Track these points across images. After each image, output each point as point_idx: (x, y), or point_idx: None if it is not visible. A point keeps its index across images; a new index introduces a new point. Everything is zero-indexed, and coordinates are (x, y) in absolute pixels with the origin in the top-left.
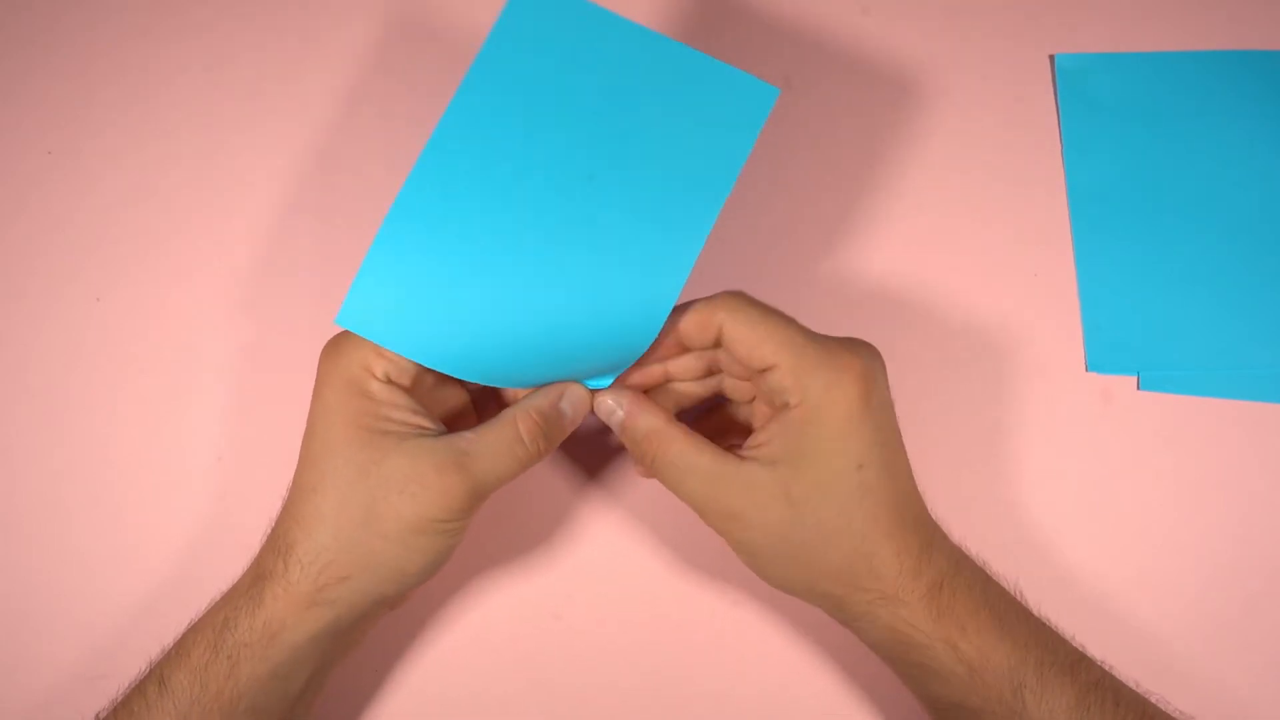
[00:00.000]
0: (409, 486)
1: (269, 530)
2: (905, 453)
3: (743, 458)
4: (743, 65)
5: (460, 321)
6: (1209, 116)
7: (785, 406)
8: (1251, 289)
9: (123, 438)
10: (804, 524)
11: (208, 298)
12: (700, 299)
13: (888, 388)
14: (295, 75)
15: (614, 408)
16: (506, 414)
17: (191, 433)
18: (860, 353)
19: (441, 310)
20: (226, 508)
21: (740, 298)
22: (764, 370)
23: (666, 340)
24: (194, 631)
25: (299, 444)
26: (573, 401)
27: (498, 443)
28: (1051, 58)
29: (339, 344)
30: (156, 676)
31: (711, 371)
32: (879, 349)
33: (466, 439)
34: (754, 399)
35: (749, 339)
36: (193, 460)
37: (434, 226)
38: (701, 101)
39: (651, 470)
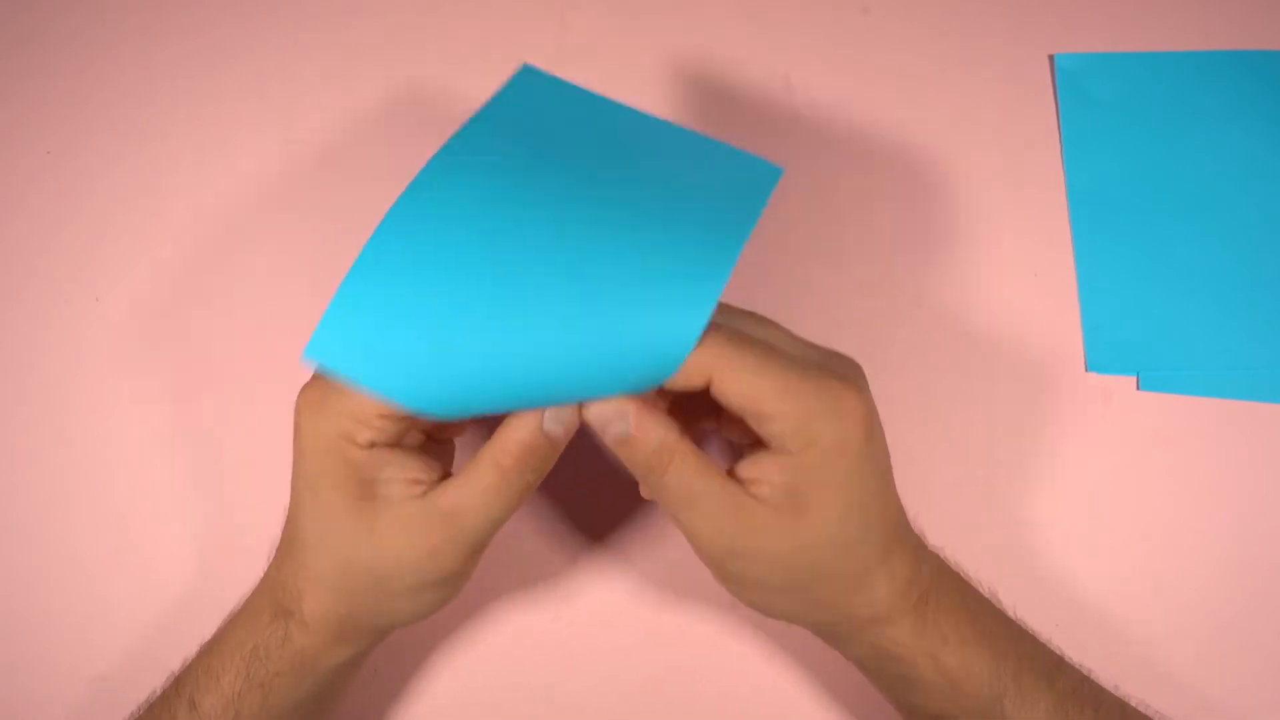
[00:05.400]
0: (403, 558)
1: (273, 549)
2: (892, 472)
3: (747, 490)
4: (743, 66)
5: (444, 353)
6: (1209, 116)
7: (785, 450)
8: (1251, 289)
9: (122, 438)
10: (804, 564)
11: (207, 298)
12: None
13: (876, 410)
14: (295, 74)
15: (614, 418)
16: (484, 454)
17: (191, 433)
18: (856, 384)
19: (423, 342)
20: (227, 509)
21: (728, 342)
22: (760, 418)
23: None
24: (221, 654)
25: None
26: (559, 419)
27: (483, 490)
28: (1051, 58)
29: (319, 405)
30: (187, 700)
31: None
32: (877, 350)
33: (450, 496)
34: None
35: (743, 394)
36: (192, 461)
37: (417, 262)
38: (705, 176)
39: (656, 489)
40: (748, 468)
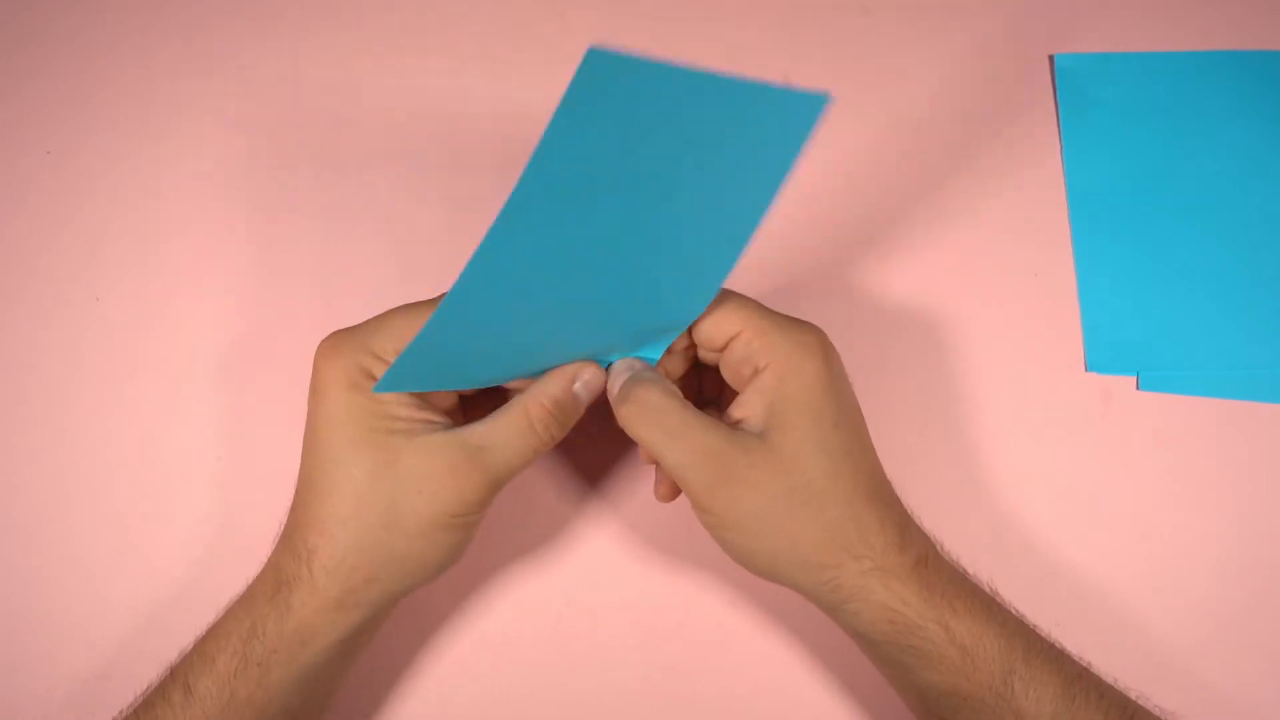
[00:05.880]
0: (426, 486)
1: (279, 533)
2: (869, 436)
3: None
4: (742, 64)
5: (497, 353)
6: (1209, 116)
7: (756, 372)
8: (1251, 289)
9: (122, 438)
10: (795, 485)
11: (207, 297)
12: None
13: (842, 364)
14: (295, 74)
15: (622, 370)
16: (516, 402)
17: (191, 433)
18: (812, 325)
19: (480, 352)
20: (227, 508)
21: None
22: (729, 342)
23: None
24: (217, 638)
25: (299, 444)
26: (586, 383)
27: (510, 433)
28: (1051, 58)
29: (337, 345)
30: (181, 683)
31: (686, 375)
32: (877, 348)
33: (478, 433)
34: (721, 393)
35: (714, 322)
36: (193, 461)
37: (493, 297)
38: (747, 125)
39: (647, 426)
40: (732, 411)
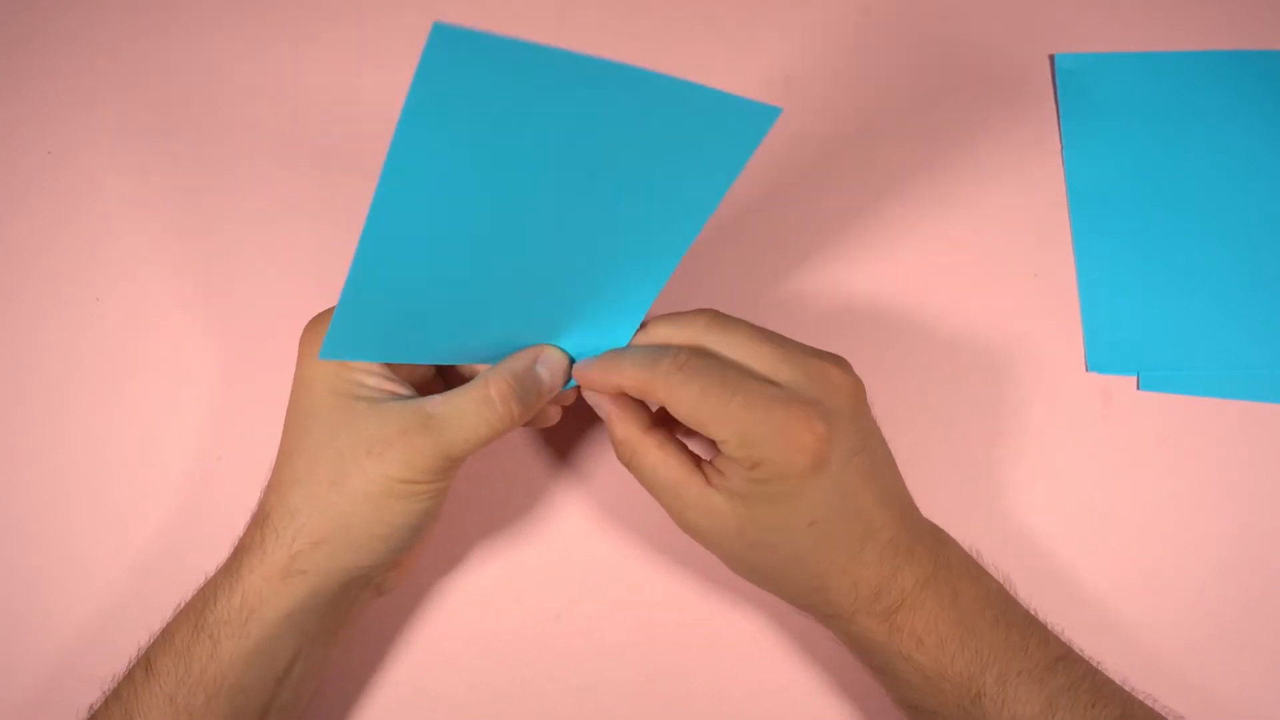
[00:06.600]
0: (375, 446)
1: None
2: (870, 483)
3: (708, 479)
4: (743, 65)
5: (443, 323)
6: (1209, 116)
7: (741, 461)
8: (1251, 289)
9: (122, 438)
10: (759, 558)
11: (207, 297)
12: (636, 357)
13: (864, 415)
14: (295, 74)
15: (598, 404)
16: (479, 378)
17: (192, 433)
18: (809, 413)
19: (422, 319)
20: (227, 508)
21: (678, 370)
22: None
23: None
24: (179, 614)
25: None
26: (549, 365)
27: (467, 405)
28: (1051, 58)
29: (316, 320)
30: (143, 661)
31: None
32: (877, 349)
33: (434, 402)
34: None
35: (688, 417)
36: (193, 461)
37: (403, 251)
38: (684, 126)
39: (631, 471)
40: (718, 460)
